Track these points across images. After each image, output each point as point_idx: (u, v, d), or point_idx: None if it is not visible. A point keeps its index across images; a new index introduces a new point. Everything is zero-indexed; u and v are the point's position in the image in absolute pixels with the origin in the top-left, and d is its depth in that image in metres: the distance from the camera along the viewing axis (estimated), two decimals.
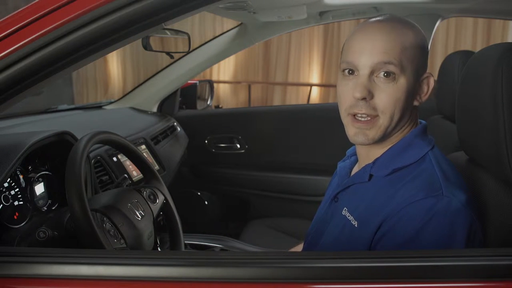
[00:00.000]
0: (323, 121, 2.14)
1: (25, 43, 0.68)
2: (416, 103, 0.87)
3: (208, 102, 2.64)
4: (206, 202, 2.31)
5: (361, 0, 1.79)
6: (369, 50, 0.81)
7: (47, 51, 0.68)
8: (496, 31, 5.07)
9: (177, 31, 1.92)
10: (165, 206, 1.17)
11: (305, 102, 5.76)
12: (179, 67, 2.15)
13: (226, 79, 6.26)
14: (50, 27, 0.68)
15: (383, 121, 0.82)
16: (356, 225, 0.84)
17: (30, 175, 1.08)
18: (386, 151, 0.87)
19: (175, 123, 2.16)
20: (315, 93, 5.71)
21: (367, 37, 0.82)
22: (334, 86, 5.85)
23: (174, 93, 2.24)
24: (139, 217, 1.00)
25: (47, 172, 1.13)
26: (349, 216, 0.87)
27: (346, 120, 0.85)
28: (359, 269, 0.61)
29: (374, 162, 0.87)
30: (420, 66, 0.84)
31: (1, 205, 0.97)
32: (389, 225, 0.77)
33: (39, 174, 1.11)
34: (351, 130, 0.85)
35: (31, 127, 1.46)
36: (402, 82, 0.81)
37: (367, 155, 0.89)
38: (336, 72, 5.49)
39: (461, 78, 0.88)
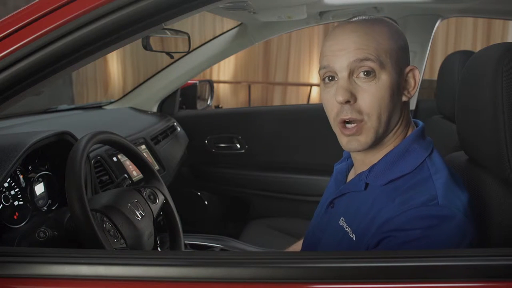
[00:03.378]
0: (323, 121, 2.13)
1: (25, 43, 0.68)
2: (404, 98, 0.83)
3: (208, 102, 2.64)
4: (206, 202, 2.31)
5: (361, 0, 1.79)
6: (343, 51, 0.79)
7: (47, 51, 0.68)
8: (496, 31, 5.07)
9: (177, 31, 1.92)
10: (165, 206, 1.17)
11: (305, 102, 5.77)
12: (179, 67, 2.15)
13: (226, 79, 6.26)
14: (50, 27, 0.68)
15: (371, 123, 0.80)
16: (354, 239, 0.82)
17: (30, 175, 1.08)
18: (383, 158, 0.84)
19: (175, 123, 2.16)
20: (315, 93, 5.72)
21: (339, 38, 0.80)
22: None
23: (174, 93, 2.24)
24: (139, 217, 1.00)
25: (47, 172, 1.13)
26: (347, 228, 0.84)
27: (336, 130, 0.84)
28: (359, 269, 0.61)
29: (370, 170, 0.84)
30: (401, 60, 0.82)
31: (1, 205, 0.97)
32: (385, 236, 0.75)
33: (39, 174, 1.11)
34: (343, 139, 0.83)
35: (31, 127, 1.46)
36: (384, 78, 0.78)
37: (363, 162, 0.87)
38: None
39: (461, 78, 0.88)
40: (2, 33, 0.69)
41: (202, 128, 2.31)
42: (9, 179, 1.01)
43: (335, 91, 0.80)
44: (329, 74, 0.82)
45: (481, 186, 0.82)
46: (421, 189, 0.77)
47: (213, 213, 2.32)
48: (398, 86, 0.81)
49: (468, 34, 5.14)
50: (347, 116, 0.79)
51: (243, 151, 2.27)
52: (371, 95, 0.78)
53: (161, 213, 1.17)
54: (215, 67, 6.14)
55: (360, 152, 0.84)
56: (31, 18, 0.69)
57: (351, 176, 0.94)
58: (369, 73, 0.78)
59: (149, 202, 1.08)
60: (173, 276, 0.62)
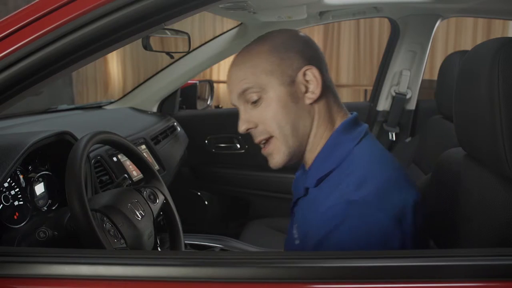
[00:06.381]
0: None
1: (25, 43, 0.68)
2: (309, 101, 0.83)
3: (208, 102, 2.64)
4: (206, 202, 2.31)
5: (361, 0, 1.79)
6: (230, 86, 0.86)
7: (47, 51, 0.68)
8: (496, 31, 5.07)
9: (177, 31, 1.92)
10: (165, 206, 1.16)
11: None
12: (179, 67, 2.15)
13: (226, 79, 6.25)
14: (50, 27, 0.68)
15: (277, 140, 0.83)
16: (297, 243, 0.83)
17: (30, 175, 1.08)
18: (314, 159, 0.85)
19: (175, 123, 2.16)
20: None
21: (228, 75, 0.87)
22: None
23: (174, 93, 2.24)
24: (139, 217, 1.00)
25: (47, 172, 1.13)
26: (296, 234, 0.86)
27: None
28: (359, 269, 0.61)
29: (306, 173, 0.86)
30: (288, 69, 0.82)
31: (1, 205, 0.97)
32: (310, 237, 0.76)
33: (39, 174, 1.11)
34: (268, 160, 0.87)
35: (31, 127, 1.46)
36: (270, 95, 0.81)
37: (307, 165, 0.88)
38: (335, 72, 5.50)
39: (458, 74, 0.88)
40: (2, 33, 0.69)
41: (202, 128, 2.31)
42: (9, 179, 1.01)
43: None
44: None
45: (478, 182, 0.82)
46: (345, 183, 0.76)
47: (213, 213, 2.32)
48: (292, 95, 0.82)
49: (468, 34, 5.13)
50: (257, 139, 0.85)
51: (243, 151, 2.27)
52: (265, 116, 0.82)
53: (161, 213, 1.17)
54: (215, 67, 6.13)
55: (298, 161, 0.87)
56: (31, 18, 0.69)
57: None
58: (255, 101, 0.82)
59: (149, 202, 1.08)
60: (173, 276, 0.62)
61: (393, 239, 0.72)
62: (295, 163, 0.88)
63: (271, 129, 0.82)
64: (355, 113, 0.88)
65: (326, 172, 0.81)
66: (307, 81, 0.83)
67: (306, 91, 0.83)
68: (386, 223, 0.72)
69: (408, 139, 2.09)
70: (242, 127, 0.85)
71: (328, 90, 0.85)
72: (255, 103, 0.82)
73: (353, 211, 0.72)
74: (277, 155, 0.84)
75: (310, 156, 0.86)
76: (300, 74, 0.83)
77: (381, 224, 0.72)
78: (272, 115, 0.82)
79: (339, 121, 0.85)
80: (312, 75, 0.83)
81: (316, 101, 0.83)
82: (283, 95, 0.81)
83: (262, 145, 0.86)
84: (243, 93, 0.83)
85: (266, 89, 0.81)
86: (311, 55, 0.85)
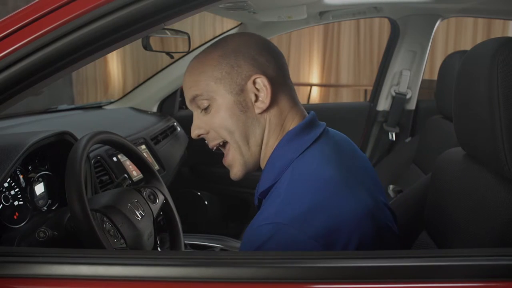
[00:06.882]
0: (323, 121, 2.13)
1: (25, 43, 0.68)
2: (258, 110, 0.81)
3: None
4: (206, 202, 2.31)
5: (361, 0, 1.80)
6: (184, 92, 0.86)
7: (47, 51, 0.68)
8: (496, 31, 5.07)
9: (177, 31, 1.92)
10: (165, 206, 1.16)
11: (305, 102, 5.77)
12: (179, 67, 2.15)
13: None
14: (50, 27, 0.68)
15: (232, 146, 0.83)
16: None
17: (30, 175, 1.08)
18: (263, 170, 0.84)
19: (175, 123, 2.16)
20: (315, 93, 5.72)
21: (183, 81, 0.86)
22: (334, 86, 5.80)
23: (174, 93, 2.24)
24: (139, 217, 1.00)
25: (47, 172, 1.13)
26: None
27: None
28: (359, 269, 0.61)
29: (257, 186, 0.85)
30: (237, 77, 0.80)
31: (1, 205, 0.97)
32: None
33: (39, 174, 1.11)
34: (230, 172, 0.87)
35: (31, 127, 1.46)
36: (219, 102, 0.81)
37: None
38: (335, 72, 5.51)
39: (458, 73, 0.88)
40: (2, 33, 0.69)
41: None
42: (9, 179, 1.01)
43: None
44: None
45: (478, 182, 0.82)
46: (274, 203, 0.74)
47: (213, 213, 2.32)
48: (241, 103, 0.81)
49: (468, 34, 5.13)
50: (210, 145, 0.86)
51: None
52: (215, 123, 0.82)
53: (161, 213, 1.17)
54: None
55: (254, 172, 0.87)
56: (31, 18, 0.69)
57: None
58: (205, 108, 0.82)
59: (149, 202, 1.08)
60: (173, 276, 0.62)
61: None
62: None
63: (222, 135, 0.83)
64: (309, 115, 0.84)
65: (267, 187, 0.80)
66: (257, 89, 0.80)
67: (256, 100, 0.81)
68: (310, 245, 0.70)
69: (408, 139, 2.09)
70: (194, 133, 0.85)
71: (281, 97, 0.82)
72: (205, 109, 0.83)
73: (278, 232, 0.70)
74: (234, 166, 0.85)
75: (259, 169, 0.86)
76: (249, 83, 0.80)
77: (304, 246, 0.70)
78: (221, 122, 0.81)
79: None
80: (262, 84, 0.80)
81: (266, 110, 0.81)
82: (231, 103, 0.80)
83: (218, 151, 0.86)
84: (193, 99, 0.83)
85: (214, 97, 0.81)
86: (264, 62, 0.81)
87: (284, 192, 0.74)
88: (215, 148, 0.86)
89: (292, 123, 0.83)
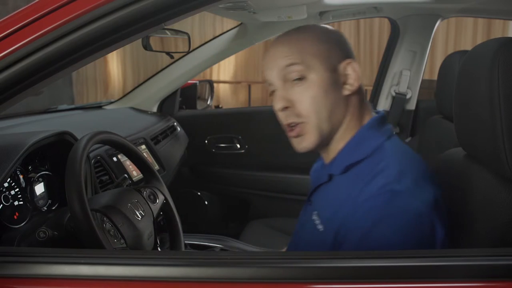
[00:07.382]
0: None
1: (25, 43, 0.68)
2: (346, 92, 0.86)
3: (208, 102, 2.64)
4: (206, 202, 2.31)
5: (361, 0, 1.80)
6: (272, 62, 0.86)
7: (47, 51, 0.68)
8: (496, 31, 5.07)
9: (177, 31, 1.92)
10: (165, 206, 1.16)
11: None
12: (179, 67, 2.15)
13: (226, 79, 6.26)
14: (50, 27, 0.68)
15: (312, 123, 0.84)
16: (321, 229, 0.84)
17: (30, 175, 1.08)
18: (342, 148, 0.87)
19: (175, 123, 2.16)
20: None
21: (270, 53, 0.88)
22: None
23: (174, 93, 2.24)
24: (139, 217, 1.00)
25: (47, 172, 1.13)
26: (316, 220, 0.87)
27: (288, 134, 0.88)
28: (359, 269, 0.61)
29: (331, 161, 0.88)
30: (332, 57, 0.85)
31: (1, 205, 0.97)
32: (347, 227, 0.77)
33: (39, 174, 1.11)
34: (293, 141, 0.88)
35: (31, 127, 1.46)
36: (313, 77, 0.83)
37: (328, 155, 0.90)
38: None
39: (458, 73, 0.88)
40: (2, 33, 0.69)
41: (202, 128, 2.31)
42: (9, 179, 1.01)
43: (274, 100, 0.86)
44: (271, 88, 0.87)
45: (478, 182, 0.82)
46: (384, 175, 0.78)
47: (213, 213, 2.32)
48: (334, 82, 0.84)
49: (468, 34, 5.14)
50: (287, 121, 0.86)
51: (243, 151, 2.27)
52: (305, 96, 0.83)
53: (161, 213, 1.17)
54: (215, 67, 6.13)
55: (321, 149, 0.89)
56: (31, 18, 0.69)
57: None
58: (299, 77, 0.83)
59: (149, 202, 1.08)
60: (173, 276, 0.62)
61: (428, 227, 0.76)
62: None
63: (307, 111, 0.83)
64: (382, 111, 0.91)
65: (357, 160, 0.83)
66: (346, 74, 0.85)
67: (345, 83, 0.86)
68: (425, 212, 0.75)
69: (408, 139, 2.09)
70: (278, 105, 0.84)
71: (360, 88, 0.88)
72: (296, 81, 0.83)
73: (397, 201, 0.75)
74: (308, 137, 0.85)
75: (335, 146, 0.88)
76: (342, 66, 0.85)
77: (420, 213, 0.75)
78: (312, 96, 0.83)
79: (367, 118, 0.88)
80: (352, 69, 0.86)
81: (352, 94, 0.86)
82: (326, 80, 0.83)
83: (289, 128, 0.87)
84: (285, 68, 0.83)
85: (310, 70, 0.83)
86: (348, 50, 0.88)
87: (391, 165, 0.79)
88: (291, 125, 0.86)
89: (367, 112, 0.89)
